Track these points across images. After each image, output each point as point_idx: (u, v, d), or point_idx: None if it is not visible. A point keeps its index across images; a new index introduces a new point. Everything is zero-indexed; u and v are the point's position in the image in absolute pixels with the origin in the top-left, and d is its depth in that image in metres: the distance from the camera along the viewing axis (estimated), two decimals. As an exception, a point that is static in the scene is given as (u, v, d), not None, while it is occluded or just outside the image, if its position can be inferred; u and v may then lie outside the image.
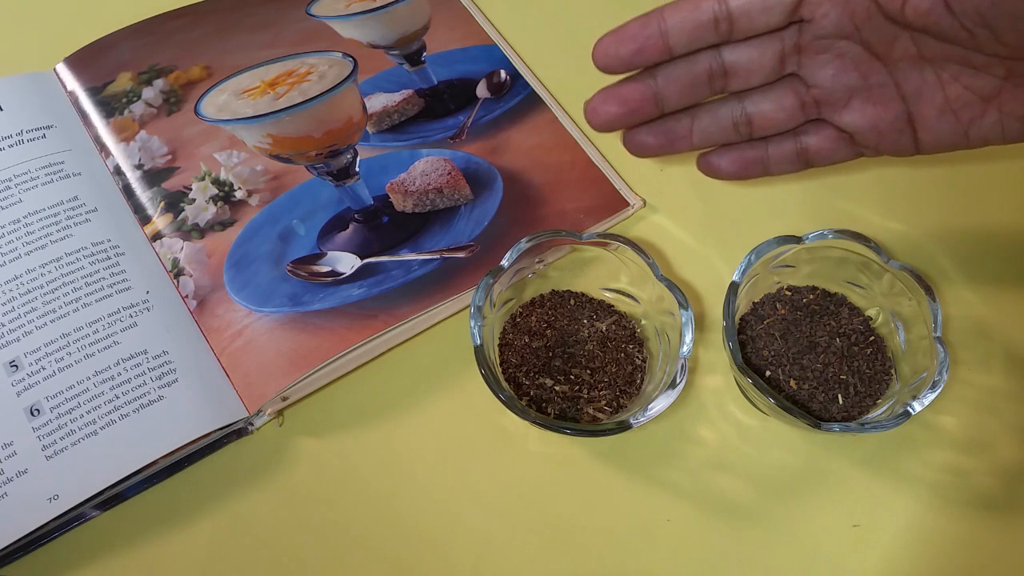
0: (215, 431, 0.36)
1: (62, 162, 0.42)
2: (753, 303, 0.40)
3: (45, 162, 0.42)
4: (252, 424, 0.38)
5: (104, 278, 0.39)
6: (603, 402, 0.37)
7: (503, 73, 0.48)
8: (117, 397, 0.36)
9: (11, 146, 0.42)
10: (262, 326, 0.39)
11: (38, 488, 0.34)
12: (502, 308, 0.39)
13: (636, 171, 0.45)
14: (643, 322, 0.39)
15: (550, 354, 0.38)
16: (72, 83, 0.45)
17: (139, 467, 0.34)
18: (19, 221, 0.39)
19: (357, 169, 0.44)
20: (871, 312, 0.39)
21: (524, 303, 0.40)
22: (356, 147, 0.45)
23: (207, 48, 0.47)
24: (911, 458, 0.37)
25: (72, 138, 0.43)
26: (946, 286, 0.42)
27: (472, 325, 0.35)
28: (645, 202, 0.44)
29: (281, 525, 0.36)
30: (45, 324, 0.37)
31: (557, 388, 0.37)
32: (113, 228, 0.40)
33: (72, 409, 0.35)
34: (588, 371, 0.37)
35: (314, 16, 0.49)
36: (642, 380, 0.38)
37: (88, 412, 0.35)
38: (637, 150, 0.37)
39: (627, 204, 0.44)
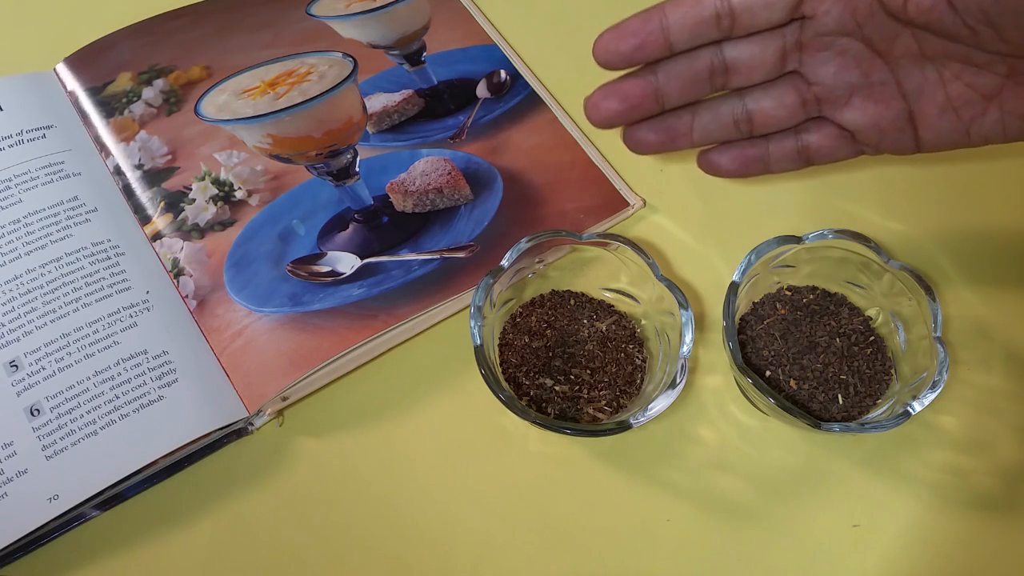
0: (215, 431, 0.36)
1: (62, 162, 0.42)
2: (753, 303, 0.40)
3: (45, 162, 0.42)
4: (252, 424, 0.38)
5: (104, 278, 0.39)
6: (603, 402, 0.37)
7: (503, 73, 0.48)
8: (117, 397, 0.36)
9: (11, 146, 0.42)
10: (262, 326, 0.39)
11: (38, 488, 0.34)
12: (502, 308, 0.39)
13: (636, 171, 0.45)
14: (643, 322, 0.39)
15: (550, 354, 0.38)
16: (72, 83, 0.45)
17: (139, 467, 0.34)
18: (19, 221, 0.39)
19: (357, 169, 0.44)
20: (871, 312, 0.39)
21: (524, 303, 0.40)
22: (356, 147, 0.45)
23: (207, 48, 0.47)
24: (911, 458, 0.37)
25: (72, 138, 0.43)
26: (946, 286, 0.42)
27: (472, 325, 0.35)
28: (645, 202, 0.44)
29: (281, 525, 0.36)
30: (45, 324, 0.37)
31: (557, 388, 0.37)
32: (113, 228, 0.40)
33: (72, 409, 0.35)
34: (588, 371, 0.37)
35: (314, 16, 0.49)
36: (642, 380, 0.38)
37: (88, 412, 0.35)
38: (637, 147, 0.37)
39: (627, 204, 0.44)
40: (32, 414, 0.35)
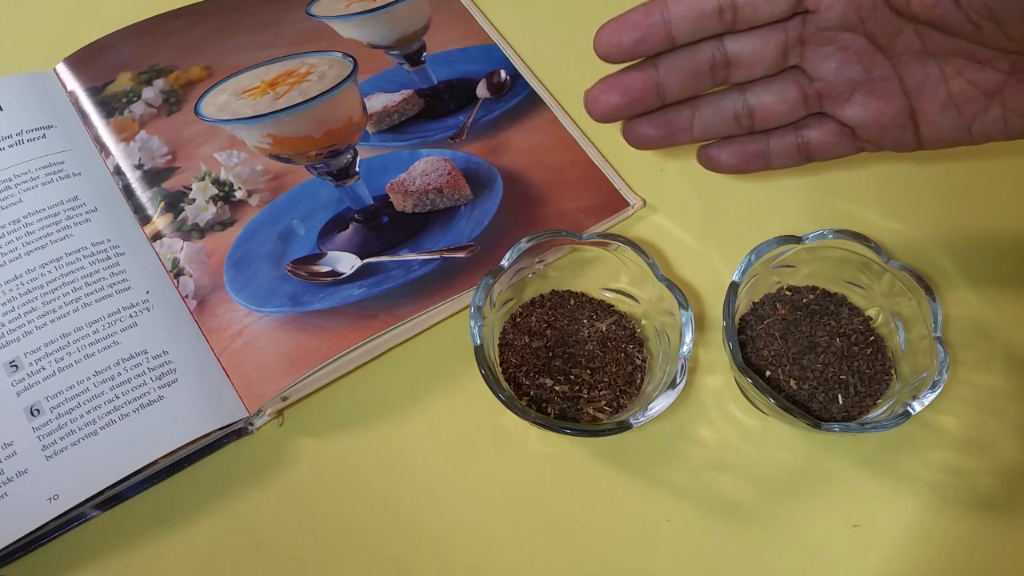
0: (215, 431, 0.36)
1: (62, 162, 0.42)
2: (753, 303, 0.40)
3: (45, 162, 0.42)
4: (252, 424, 0.38)
5: (104, 278, 0.39)
6: (603, 402, 0.37)
7: (503, 73, 0.48)
8: (117, 397, 0.36)
9: (11, 146, 0.42)
10: (262, 326, 0.39)
11: (38, 488, 0.34)
12: (502, 308, 0.39)
13: (636, 171, 0.45)
14: (643, 322, 0.39)
15: (550, 354, 0.38)
16: (72, 83, 0.45)
17: (139, 467, 0.34)
18: (19, 221, 0.39)
19: (357, 169, 0.44)
20: (871, 312, 0.39)
21: (524, 303, 0.40)
22: (356, 147, 0.45)
23: (207, 48, 0.47)
24: (911, 458, 0.37)
25: (72, 138, 0.43)
26: (946, 286, 0.42)
27: (472, 325, 0.35)
28: (645, 202, 0.44)
29: (281, 525, 0.36)
30: (45, 324, 0.37)
31: (557, 388, 0.37)
32: (113, 228, 0.40)
33: (72, 409, 0.35)
34: (588, 371, 0.37)
35: (314, 16, 0.49)
36: (642, 380, 0.38)
37: (88, 412, 0.35)
38: (637, 142, 0.36)
39: (627, 204, 0.44)
40: (32, 414, 0.35)
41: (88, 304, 0.38)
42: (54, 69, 0.46)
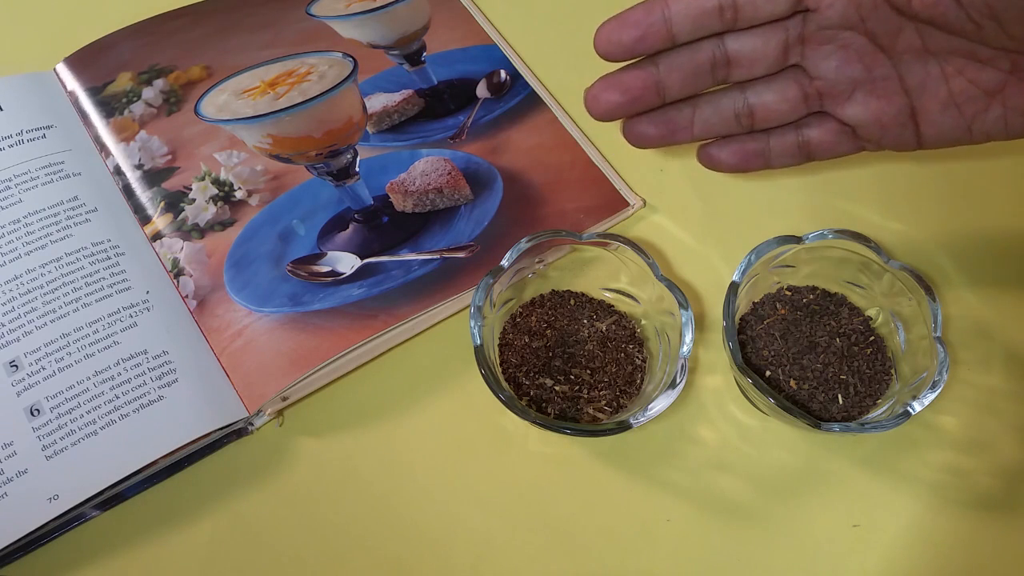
0: (215, 431, 0.36)
1: (62, 162, 0.42)
2: (753, 303, 0.40)
3: (45, 162, 0.42)
4: (252, 424, 0.38)
5: (104, 278, 0.39)
6: (603, 402, 0.37)
7: (503, 73, 0.48)
8: (117, 397, 0.36)
9: (11, 146, 0.42)
10: (262, 326, 0.39)
11: (38, 488, 0.34)
12: (502, 308, 0.39)
13: (636, 171, 0.45)
14: (643, 322, 0.39)
15: (550, 354, 0.38)
16: (72, 83, 0.45)
17: (139, 467, 0.34)
18: (19, 221, 0.39)
19: (357, 169, 0.44)
20: (871, 312, 0.39)
21: (524, 303, 0.40)
22: (356, 147, 0.45)
23: (207, 48, 0.47)
24: (911, 458, 0.37)
25: (72, 138, 0.43)
26: (946, 286, 0.42)
27: (472, 325, 0.35)
28: (645, 202, 0.44)
29: (281, 525, 0.36)
30: (45, 324, 0.37)
31: (557, 388, 0.37)
32: (113, 228, 0.40)
33: (72, 409, 0.35)
34: (588, 371, 0.37)
35: (314, 16, 0.49)
36: (642, 380, 0.38)
37: (88, 412, 0.35)
38: (637, 141, 0.36)
39: (627, 204, 0.44)
40: (32, 414, 0.35)
41: (88, 304, 0.38)
42: (54, 69, 0.46)
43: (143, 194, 0.42)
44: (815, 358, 0.37)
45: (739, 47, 0.34)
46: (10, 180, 0.41)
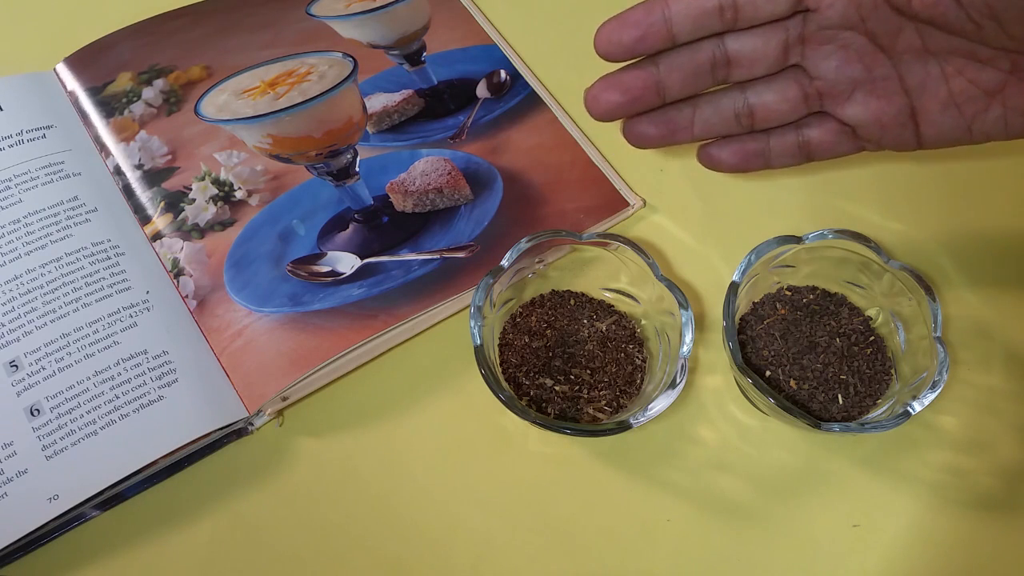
0: (215, 431, 0.36)
1: (62, 162, 0.42)
2: (753, 303, 0.40)
3: (45, 162, 0.42)
4: (252, 424, 0.38)
5: (104, 278, 0.39)
6: (603, 402, 0.37)
7: (503, 73, 0.48)
8: (117, 397, 0.36)
9: (11, 146, 0.42)
10: (262, 326, 0.39)
11: (38, 488, 0.34)
12: (502, 308, 0.39)
13: (636, 171, 0.45)
14: (643, 322, 0.39)
15: (550, 354, 0.38)
16: (72, 83, 0.45)
17: (139, 467, 0.34)
18: (19, 221, 0.39)
19: (357, 169, 0.44)
20: (871, 312, 0.39)
21: (524, 303, 0.40)
22: (356, 147, 0.45)
23: (207, 48, 0.47)
24: (911, 458, 0.37)
25: (72, 138, 0.43)
26: (946, 286, 0.42)
27: (472, 325, 0.35)
28: (645, 202, 0.44)
29: (281, 525, 0.36)
30: (45, 324, 0.37)
31: (557, 388, 0.37)
32: (113, 228, 0.40)
33: (72, 409, 0.35)
34: (588, 371, 0.37)
35: (314, 16, 0.49)
36: (642, 380, 0.38)
37: (88, 412, 0.35)
38: (637, 141, 0.36)
39: (627, 204, 0.44)
40: (32, 414, 0.35)
41: (88, 304, 0.38)
42: (54, 69, 0.46)
43: (143, 194, 0.42)
44: (815, 358, 0.37)
45: (739, 47, 0.34)
46: (10, 180, 0.41)
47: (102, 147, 0.43)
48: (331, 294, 0.40)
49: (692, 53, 0.34)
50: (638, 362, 0.38)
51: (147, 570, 0.35)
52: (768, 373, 0.37)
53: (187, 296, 0.39)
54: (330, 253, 0.41)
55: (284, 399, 0.38)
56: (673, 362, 0.35)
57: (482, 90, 0.47)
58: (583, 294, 0.40)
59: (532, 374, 0.37)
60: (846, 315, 0.39)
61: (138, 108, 0.45)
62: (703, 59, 0.34)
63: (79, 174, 0.42)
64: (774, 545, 0.36)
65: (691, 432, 0.38)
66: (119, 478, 0.34)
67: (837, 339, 0.38)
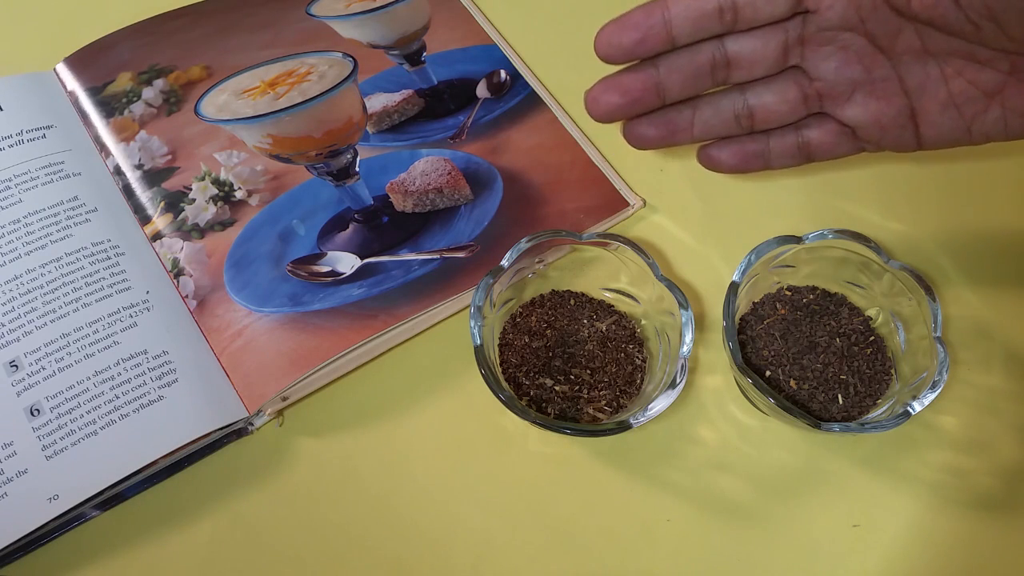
0: (215, 431, 0.36)
1: (62, 162, 0.42)
2: (753, 303, 0.40)
3: (45, 162, 0.42)
4: (252, 424, 0.38)
5: (104, 278, 0.39)
6: (603, 402, 0.37)
7: (503, 73, 0.48)
8: (117, 397, 0.36)
9: (11, 146, 0.42)
10: (262, 326, 0.39)
11: (38, 488, 0.34)
12: (502, 308, 0.39)
13: (636, 171, 0.45)
14: (643, 322, 0.39)
15: (550, 354, 0.38)
16: (72, 83, 0.45)
17: (139, 467, 0.34)
18: (19, 221, 0.39)
19: (357, 169, 0.44)
20: (871, 312, 0.39)
21: (524, 303, 0.40)
22: (356, 147, 0.45)
23: (207, 48, 0.47)
24: (911, 458, 0.37)
25: (72, 138, 0.43)
26: (946, 286, 0.42)
27: (472, 325, 0.35)
28: (645, 202, 0.44)
29: (281, 525, 0.36)
30: (45, 324, 0.37)
31: (557, 388, 0.37)
32: (113, 228, 0.41)
33: (72, 409, 0.35)
34: (588, 371, 0.37)
35: (314, 16, 0.49)
36: (642, 380, 0.38)
37: (88, 412, 0.35)
38: (637, 142, 0.36)
39: (627, 204, 0.44)
40: (32, 414, 0.35)
41: (88, 304, 0.38)
42: (54, 69, 0.46)
43: (143, 194, 0.42)
44: (815, 358, 0.37)
45: (739, 49, 0.34)
46: (10, 180, 0.41)
47: (102, 147, 0.43)
48: (331, 294, 0.40)
49: (692, 55, 0.34)
50: (638, 362, 0.38)
51: (147, 570, 0.35)
52: (768, 373, 0.37)
53: (187, 296, 0.39)
54: (330, 253, 0.41)
55: (284, 399, 0.38)
56: (673, 362, 0.35)
57: (482, 90, 0.47)
58: (583, 294, 0.40)
59: (532, 374, 0.37)
60: (846, 315, 0.39)
61: (138, 108, 0.45)
62: (703, 61, 0.34)
63: (79, 174, 0.42)
64: (774, 545, 0.36)
65: (691, 432, 0.38)
66: (119, 478, 0.34)
67: (837, 339, 0.38)
